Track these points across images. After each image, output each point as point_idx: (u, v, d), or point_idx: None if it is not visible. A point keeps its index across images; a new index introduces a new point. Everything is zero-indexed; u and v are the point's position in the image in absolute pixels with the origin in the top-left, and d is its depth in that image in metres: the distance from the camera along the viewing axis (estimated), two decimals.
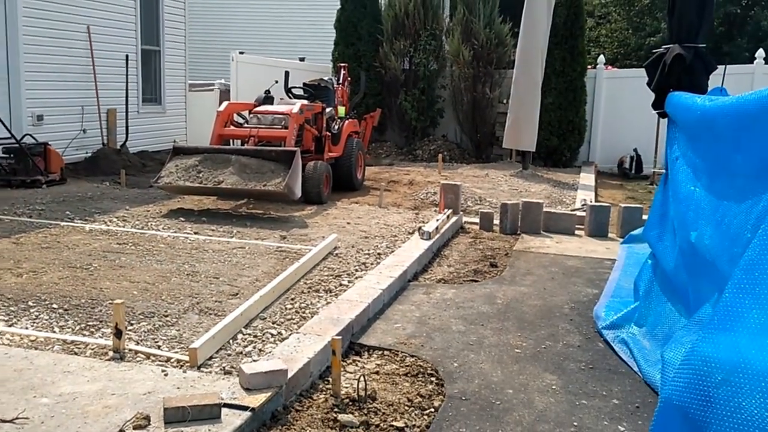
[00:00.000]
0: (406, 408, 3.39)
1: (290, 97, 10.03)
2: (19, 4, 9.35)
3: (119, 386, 3.22)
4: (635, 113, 13.08)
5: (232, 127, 8.91)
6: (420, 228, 6.64)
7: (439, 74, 14.31)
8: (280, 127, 8.58)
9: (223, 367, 3.51)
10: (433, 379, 3.74)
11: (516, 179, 11.14)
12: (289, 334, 4.00)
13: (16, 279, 4.82)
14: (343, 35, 14.50)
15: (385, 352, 4.09)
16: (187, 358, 3.55)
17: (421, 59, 14.00)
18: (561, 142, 13.37)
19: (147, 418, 2.89)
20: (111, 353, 3.59)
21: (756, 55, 13.13)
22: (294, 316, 4.37)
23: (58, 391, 3.14)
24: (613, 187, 11.89)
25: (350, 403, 3.37)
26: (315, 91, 9.88)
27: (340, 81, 10.93)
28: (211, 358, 3.62)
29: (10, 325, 3.97)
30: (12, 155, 8.84)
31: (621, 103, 13.68)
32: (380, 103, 13.85)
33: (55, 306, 4.31)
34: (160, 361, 3.56)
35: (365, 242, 6.47)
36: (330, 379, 3.57)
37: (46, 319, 4.08)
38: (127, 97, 11.41)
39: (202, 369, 3.48)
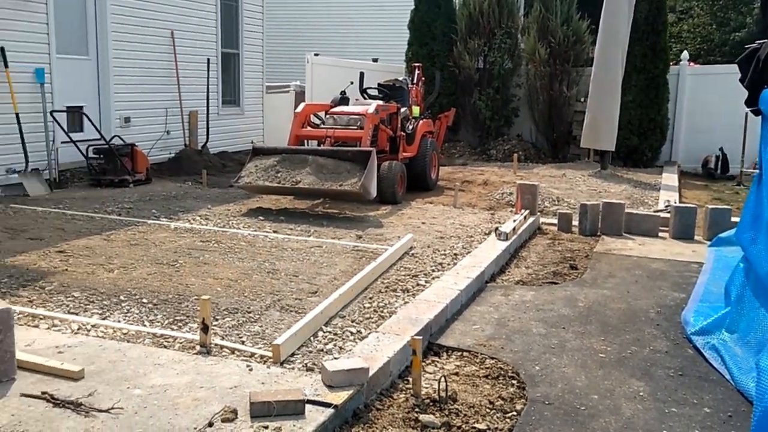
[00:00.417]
0: (488, 410, 3.36)
1: (365, 98, 10.11)
2: (108, 12, 9.78)
3: (207, 380, 3.31)
4: (721, 111, 12.58)
5: (309, 128, 9.05)
6: (497, 228, 6.57)
7: (514, 73, 14.14)
8: (355, 127, 8.65)
9: (305, 364, 3.56)
10: (514, 381, 3.69)
11: (594, 179, 10.88)
12: (369, 333, 4.02)
13: (108, 274, 5.03)
14: (417, 35, 14.51)
15: (464, 354, 4.06)
16: (270, 353, 3.62)
17: (495, 58, 13.86)
18: (642, 142, 12.97)
19: (234, 412, 2.97)
20: (198, 347, 3.70)
21: None
22: (372, 315, 4.40)
23: (150, 383, 3.26)
24: (698, 188, 11.45)
25: (431, 404, 3.37)
26: (390, 91, 9.93)
27: (415, 81, 10.94)
28: (293, 354, 3.68)
29: (104, 318, 4.15)
30: (101, 156, 9.23)
31: (705, 100, 13.17)
32: (454, 103, 13.76)
33: (144, 300, 4.48)
34: (244, 356, 3.65)
35: (441, 242, 6.45)
36: (410, 378, 3.58)
37: (137, 313, 4.25)
38: (208, 99, 11.76)
39: (284, 365, 3.54)
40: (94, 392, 3.13)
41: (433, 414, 3.27)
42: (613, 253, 6.53)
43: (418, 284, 5.10)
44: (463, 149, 14.19)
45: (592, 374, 3.78)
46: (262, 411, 2.95)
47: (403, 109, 9.66)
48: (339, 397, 3.14)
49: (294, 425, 2.91)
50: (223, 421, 2.91)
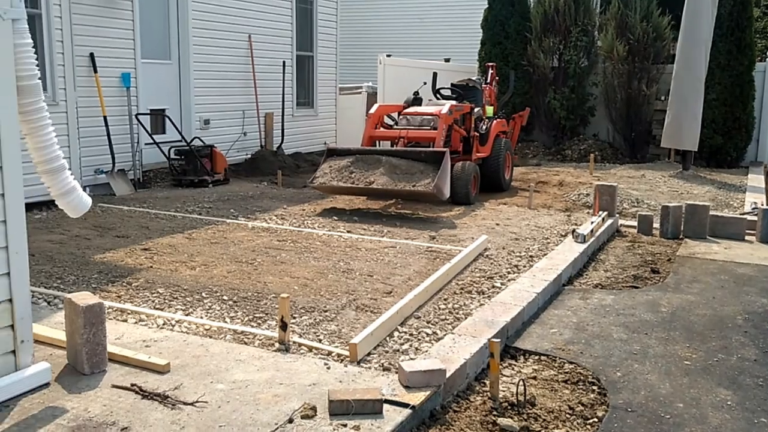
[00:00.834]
0: (567, 416, 3.29)
1: (438, 98, 10.09)
2: (189, 18, 10.10)
3: (286, 376, 3.38)
4: None
5: (382, 129, 9.09)
6: (574, 230, 6.43)
7: (590, 71, 13.83)
8: (429, 128, 8.64)
9: (382, 364, 3.58)
10: (594, 387, 3.60)
11: (676, 180, 10.51)
12: (444, 335, 4.01)
13: (190, 272, 5.20)
14: (490, 34, 14.38)
15: (542, 358, 4.00)
16: (347, 352, 3.66)
17: (571, 56, 13.60)
18: (726, 141, 12.46)
19: (314, 409, 3.01)
20: (277, 344, 3.78)
21: None
22: (448, 317, 4.38)
23: (232, 378, 3.35)
24: None
25: (508, 407, 3.33)
26: (463, 91, 9.87)
27: (488, 81, 10.83)
28: (369, 354, 3.71)
29: (187, 314, 4.29)
30: (182, 157, 9.55)
31: None
32: (528, 102, 13.58)
33: (225, 298, 4.60)
34: (321, 354, 3.70)
35: (516, 244, 6.37)
36: (486, 381, 3.55)
37: (218, 310, 4.37)
38: (283, 101, 11.99)
39: (361, 364, 3.57)
40: (179, 386, 3.24)
41: (511, 418, 3.23)
42: (697, 257, 6.30)
43: (493, 286, 5.05)
44: (537, 149, 13.97)
45: (676, 382, 3.65)
46: (340, 409, 2.98)
47: (476, 109, 9.59)
48: (416, 397, 3.14)
49: (372, 424, 2.93)
50: (302, 417, 2.96)
